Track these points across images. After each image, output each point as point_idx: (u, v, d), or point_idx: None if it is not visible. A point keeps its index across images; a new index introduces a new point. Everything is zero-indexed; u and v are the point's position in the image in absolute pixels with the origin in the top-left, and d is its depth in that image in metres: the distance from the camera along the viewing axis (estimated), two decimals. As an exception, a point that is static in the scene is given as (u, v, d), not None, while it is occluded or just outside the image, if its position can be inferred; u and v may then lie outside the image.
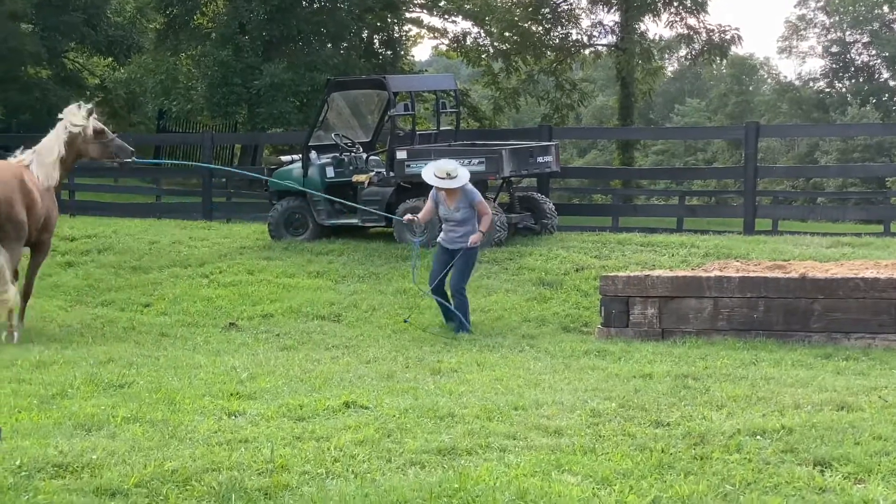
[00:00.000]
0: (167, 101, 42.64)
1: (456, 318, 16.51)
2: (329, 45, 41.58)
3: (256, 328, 17.19)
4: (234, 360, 13.69)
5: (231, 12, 40.29)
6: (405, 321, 16.91)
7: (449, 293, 16.80)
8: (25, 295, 16.58)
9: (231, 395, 11.18)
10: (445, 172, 16.40)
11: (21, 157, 16.67)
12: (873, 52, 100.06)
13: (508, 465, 8.38)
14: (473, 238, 16.49)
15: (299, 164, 22.79)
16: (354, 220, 22.40)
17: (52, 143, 16.69)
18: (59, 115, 17.05)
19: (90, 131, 16.90)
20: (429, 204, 16.85)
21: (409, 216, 17.93)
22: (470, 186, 16.72)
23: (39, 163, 16.51)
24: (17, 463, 8.29)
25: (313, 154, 22.72)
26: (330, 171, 22.69)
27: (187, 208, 28.42)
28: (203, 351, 15.05)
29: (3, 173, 15.83)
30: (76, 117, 16.79)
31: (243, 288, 19.56)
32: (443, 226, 16.91)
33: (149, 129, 50.88)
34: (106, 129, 17.29)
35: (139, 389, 11.52)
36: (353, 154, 22.89)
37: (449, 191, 16.48)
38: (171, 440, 9.15)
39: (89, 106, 17.15)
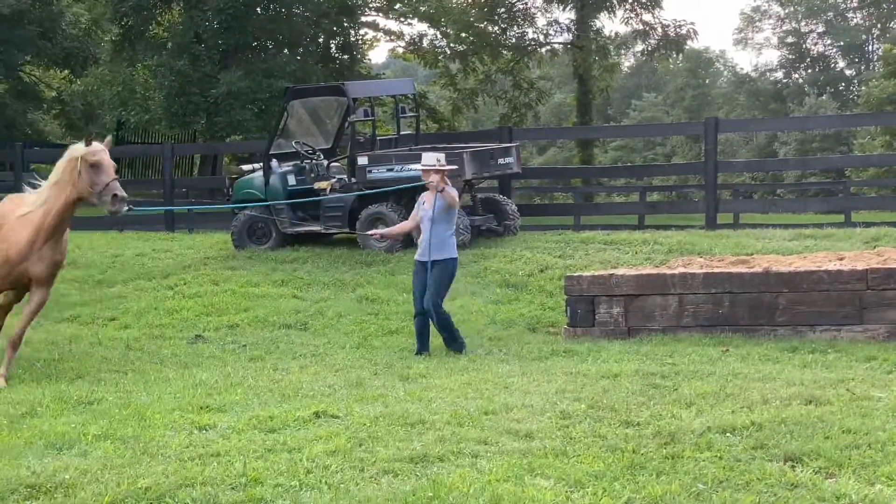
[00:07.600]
0: (125, 112, 42.51)
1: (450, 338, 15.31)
2: (286, 52, 41.51)
3: (223, 339, 17.15)
4: (202, 373, 13.68)
5: (186, 22, 40.12)
6: None
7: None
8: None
9: (201, 408, 11.15)
10: (436, 159, 15.48)
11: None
12: (828, 41, 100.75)
13: (481, 470, 8.40)
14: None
15: (260, 173, 22.77)
16: (317, 227, 22.38)
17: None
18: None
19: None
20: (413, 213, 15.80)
21: (375, 231, 17.51)
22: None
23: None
24: (-10, 485, 8.29)
25: (274, 162, 22.71)
26: (291, 179, 22.69)
27: (149, 219, 28.15)
28: (171, 364, 15.03)
29: None
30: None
31: (208, 299, 19.48)
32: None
33: (108, 141, 50.46)
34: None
35: (109, 406, 11.51)
36: (314, 161, 22.89)
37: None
38: (142, 456, 9.13)
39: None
